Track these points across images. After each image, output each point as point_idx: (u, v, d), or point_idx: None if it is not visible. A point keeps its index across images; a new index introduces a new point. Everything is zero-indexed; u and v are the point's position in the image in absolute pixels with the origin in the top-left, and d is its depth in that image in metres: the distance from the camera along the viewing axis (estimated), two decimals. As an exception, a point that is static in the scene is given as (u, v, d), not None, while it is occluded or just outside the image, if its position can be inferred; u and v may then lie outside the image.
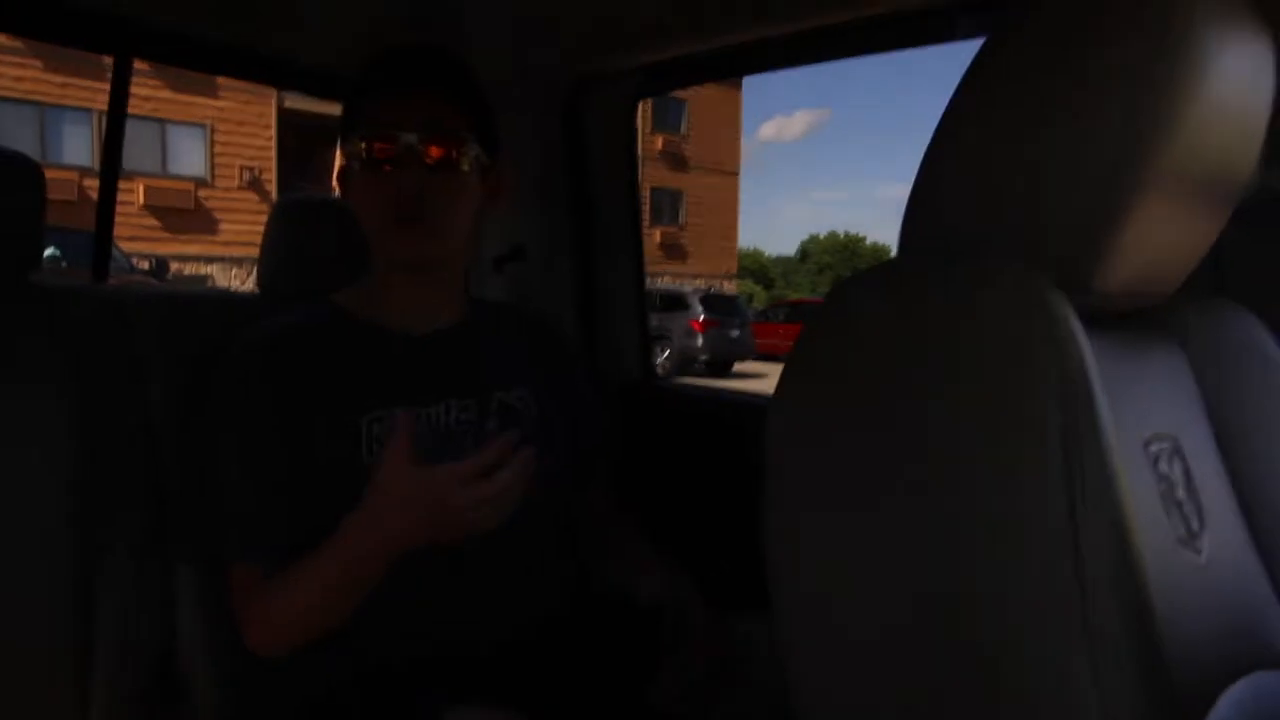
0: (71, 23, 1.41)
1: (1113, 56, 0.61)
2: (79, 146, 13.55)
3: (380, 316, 1.16)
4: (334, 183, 1.20)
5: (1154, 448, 0.74)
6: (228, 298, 1.52)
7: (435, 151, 1.08)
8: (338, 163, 1.16)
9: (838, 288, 0.68)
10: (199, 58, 1.64)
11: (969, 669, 0.57)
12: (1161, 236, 0.69)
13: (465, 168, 1.11)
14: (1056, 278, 0.59)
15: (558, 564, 1.22)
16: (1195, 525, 0.75)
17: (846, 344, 0.65)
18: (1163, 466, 0.74)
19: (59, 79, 13.51)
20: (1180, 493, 0.75)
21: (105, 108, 1.78)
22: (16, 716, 1.10)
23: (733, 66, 1.59)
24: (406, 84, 1.11)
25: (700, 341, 13.69)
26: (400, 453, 0.92)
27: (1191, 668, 0.65)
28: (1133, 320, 0.81)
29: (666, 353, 13.67)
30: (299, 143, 15.60)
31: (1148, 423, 0.75)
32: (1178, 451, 0.77)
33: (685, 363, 13.46)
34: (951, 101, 0.67)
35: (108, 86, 1.68)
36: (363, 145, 1.09)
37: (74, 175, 12.11)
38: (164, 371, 1.25)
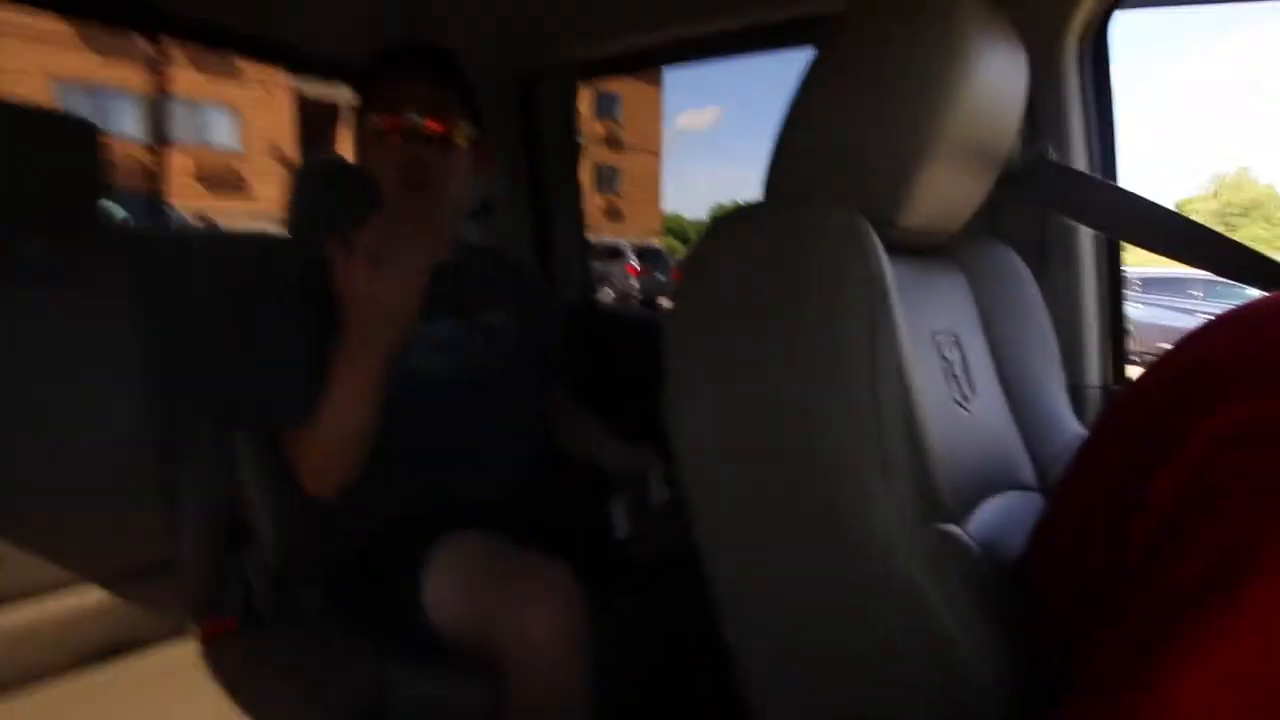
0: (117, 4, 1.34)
1: (904, 57, 0.62)
2: (129, 120, 12.75)
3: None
4: (350, 151, 1.17)
5: (939, 338, 0.78)
6: (267, 237, 1.47)
7: (434, 126, 1.06)
8: (357, 129, 1.12)
9: (715, 223, 0.68)
10: (223, 40, 1.55)
11: (808, 487, 0.60)
12: (944, 189, 0.71)
13: (459, 141, 1.09)
14: (868, 216, 0.61)
15: (534, 440, 1.22)
16: (967, 391, 0.79)
17: (720, 265, 0.66)
18: (945, 351, 0.78)
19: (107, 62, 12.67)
20: (957, 369, 0.79)
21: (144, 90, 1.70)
22: (125, 553, 1.09)
23: (647, 61, 1.56)
24: (409, 72, 1.08)
25: (634, 282, 13.61)
26: (346, 267, 0.92)
27: (960, 486, 0.69)
28: (929, 252, 0.83)
29: (609, 293, 13.56)
30: (313, 123, 14.84)
31: (935, 322, 0.78)
32: (957, 342, 0.81)
33: (623, 298, 13.38)
34: (795, 90, 0.68)
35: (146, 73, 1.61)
36: (375, 119, 1.06)
37: (128, 147, 11.48)
38: (216, 294, 1.22)
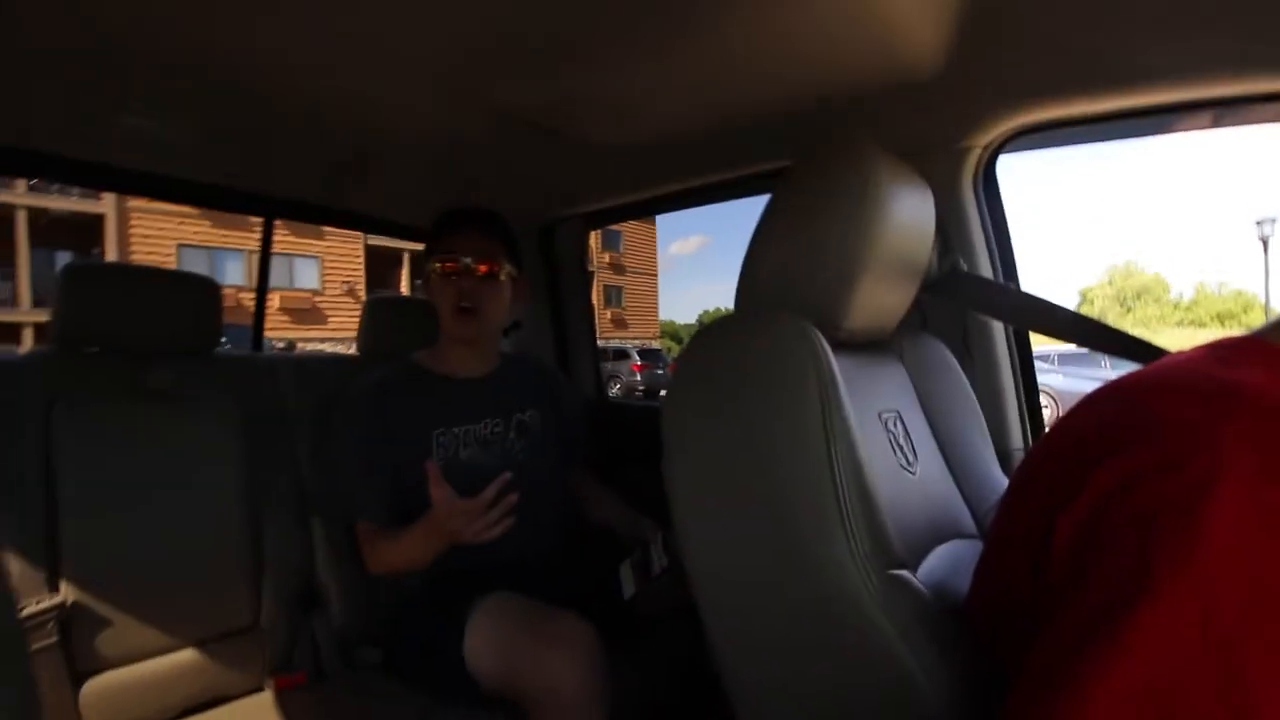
0: (228, 197, 1.40)
1: (835, 204, 0.66)
2: (237, 273, 13.22)
3: (444, 368, 1.18)
4: (407, 285, 1.22)
5: (884, 416, 0.78)
6: (341, 358, 1.50)
7: (482, 268, 1.12)
8: (425, 272, 1.18)
9: (699, 332, 0.69)
10: (318, 217, 1.63)
11: (782, 546, 0.59)
12: (878, 298, 0.73)
13: (501, 278, 1.15)
14: (818, 323, 0.63)
15: (559, 514, 1.21)
16: (911, 457, 0.78)
17: (701, 366, 0.67)
18: (890, 426, 0.78)
19: (221, 231, 13.22)
20: (901, 440, 0.78)
21: (251, 247, 1.75)
22: (217, 619, 1.08)
23: (643, 211, 1.63)
24: (464, 225, 1.15)
25: (638, 377, 13.65)
26: (442, 493, 0.94)
27: (911, 538, 0.68)
28: (872, 347, 0.84)
29: (617, 385, 13.58)
30: (378, 266, 15.33)
31: (880, 403, 0.79)
32: (899, 418, 0.81)
33: (628, 391, 13.37)
34: (758, 225, 0.71)
35: (252, 234, 1.66)
36: (438, 264, 1.13)
37: (234, 290, 11.86)
38: (299, 406, 1.24)
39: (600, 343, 1.94)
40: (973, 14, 0.81)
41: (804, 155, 0.72)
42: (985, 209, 1.08)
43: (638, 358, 14.16)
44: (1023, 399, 1.09)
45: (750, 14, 0.75)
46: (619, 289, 23.11)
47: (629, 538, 1.16)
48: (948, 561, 0.71)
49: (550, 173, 1.40)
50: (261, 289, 1.78)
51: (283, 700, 1.04)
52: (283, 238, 13.56)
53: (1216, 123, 0.94)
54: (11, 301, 11.73)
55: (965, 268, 0.94)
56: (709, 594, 0.66)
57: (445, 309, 1.13)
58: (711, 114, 1.07)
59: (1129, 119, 0.95)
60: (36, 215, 12.00)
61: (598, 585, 1.12)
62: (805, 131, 1.06)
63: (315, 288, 15.03)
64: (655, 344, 19.11)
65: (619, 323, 22.47)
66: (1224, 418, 0.37)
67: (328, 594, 1.18)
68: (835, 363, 0.60)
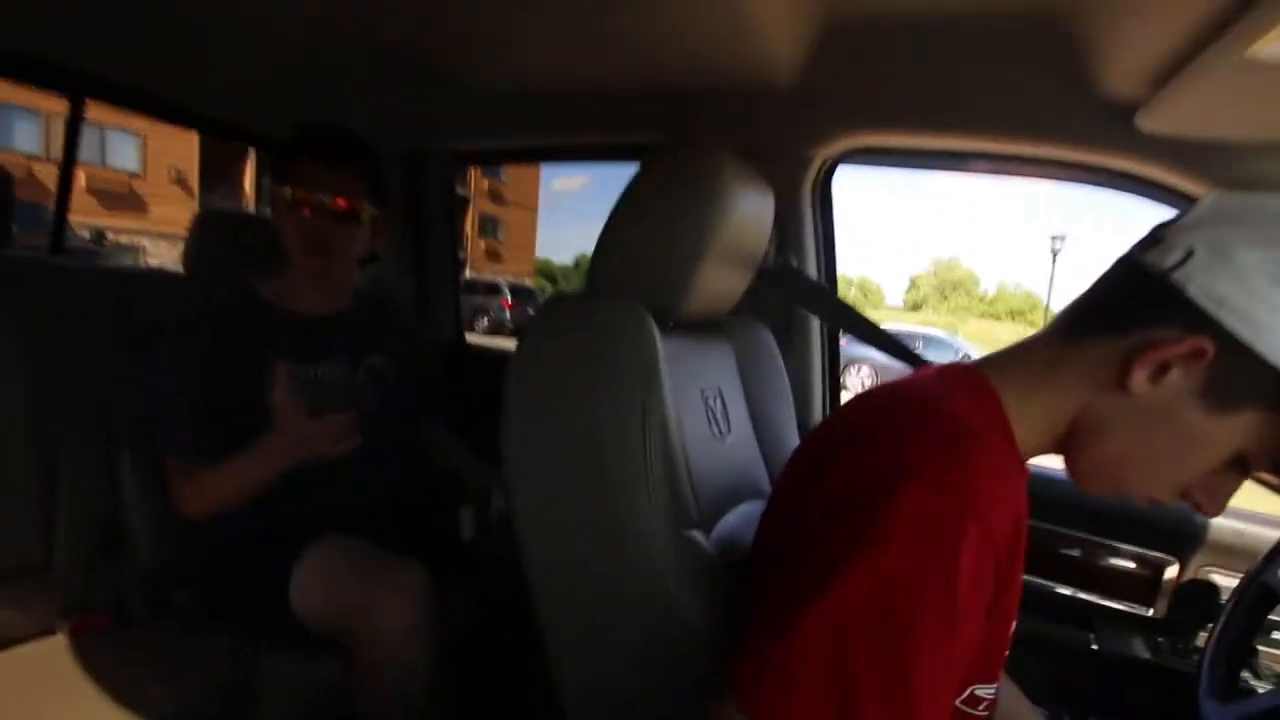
0: (36, 69, 1.20)
1: (686, 200, 0.71)
2: (30, 137, 10.93)
3: (289, 303, 1.10)
4: (251, 185, 1.11)
5: (705, 391, 0.86)
6: (165, 277, 1.35)
7: (341, 204, 1.04)
8: (273, 194, 1.07)
9: (545, 306, 0.74)
10: (138, 105, 1.42)
11: (595, 501, 0.65)
12: (715, 286, 0.79)
13: (362, 218, 1.07)
14: (656, 305, 0.68)
15: (401, 461, 1.20)
16: (724, 428, 0.87)
17: (545, 335, 0.71)
18: (710, 402, 0.86)
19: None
20: (717, 413, 0.87)
21: (52, 110, 1.48)
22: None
23: (519, 158, 1.61)
24: (324, 155, 1.04)
25: (508, 315, 13.34)
26: (290, 404, 0.92)
27: (714, 497, 0.77)
28: (704, 326, 0.91)
29: (485, 319, 13.21)
30: (216, 156, 13.33)
31: (704, 379, 0.87)
32: (720, 394, 0.89)
33: (497, 326, 13.06)
34: (614, 207, 0.74)
35: (53, 95, 1.41)
36: (290, 193, 1.02)
37: (24, 160, 9.76)
38: (111, 330, 1.12)
39: (471, 274, 1.88)
40: (829, 37, 0.91)
41: (667, 139, 0.77)
42: (819, 214, 1.21)
43: (509, 294, 13.80)
44: (827, 381, 1.26)
45: None
46: (496, 220, 22.15)
47: (472, 483, 1.19)
48: (745, 518, 0.81)
49: (419, 101, 1.34)
50: (66, 170, 1.53)
51: (80, 645, 0.98)
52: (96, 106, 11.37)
53: (1016, 171, 1.12)
54: None
55: (795, 264, 1.06)
56: (530, 542, 0.71)
57: (295, 244, 1.04)
58: (583, 75, 1.09)
59: (948, 158, 1.12)
60: None
61: (437, 528, 1.14)
62: (671, 113, 1.12)
63: (134, 170, 12.84)
64: (529, 282, 18.67)
65: (493, 255, 21.62)
66: (922, 430, 0.49)
67: (135, 532, 1.09)
68: (662, 345, 0.67)
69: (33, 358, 1.02)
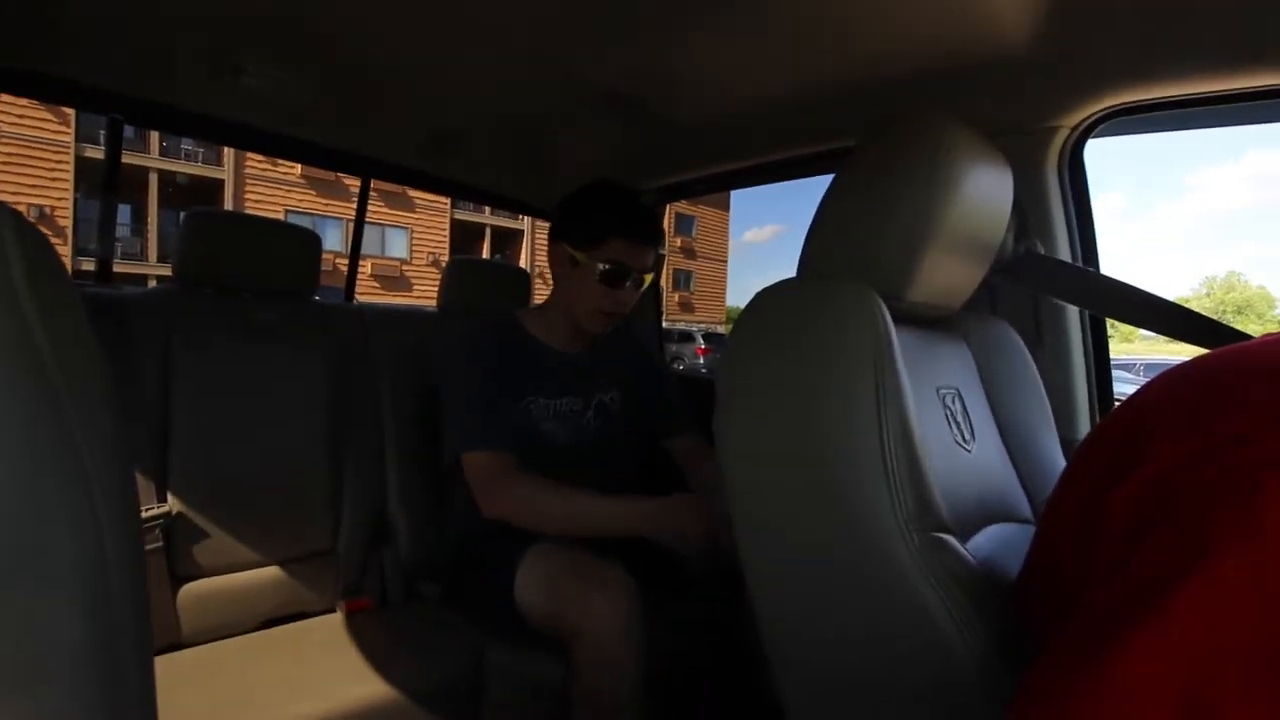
0: (329, 156, 1.46)
1: (907, 170, 0.63)
2: (336, 239, 13.92)
3: (547, 337, 1.16)
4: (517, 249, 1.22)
5: (943, 392, 0.75)
6: (423, 311, 1.57)
7: (648, 278, 1.10)
8: (571, 256, 1.08)
9: (759, 294, 0.67)
10: (410, 181, 1.66)
11: (828, 505, 0.58)
12: (942, 273, 0.70)
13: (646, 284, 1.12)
14: (880, 291, 0.61)
15: (628, 486, 1.17)
16: (968, 435, 0.76)
17: (759, 325, 0.66)
18: (948, 403, 0.75)
19: (324, 200, 13.95)
20: (958, 417, 0.75)
21: (350, 217, 1.80)
22: (299, 542, 1.17)
23: (715, 185, 1.62)
24: (640, 236, 1.06)
25: (701, 360, 13.56)
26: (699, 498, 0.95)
27: (960, 513, 0.65)
28: (936, 323, 0.82)
29: (680, 367, 13.56)
30: (462, 239, 15.75)
31: (939, 379, 0.76)
32: (959, 395, 0.78)
33: (691, 372, 13.35)
34: (824, 198, 0.69)
35: (351, 204, 1.73)
36: (604, 269, 1.05)
37: (331, 255, 12.52)
38: (382, 354, 1.31)
39: (665, 324, 1.91)
40: None
41: (877, 129, 0.70)
42: (1069, 193, 1.01)
43: (702, 341, 14.06)
44: (1094, 388, 1.03)
45: None
46: (688, 273, 22.97)
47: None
48: (997, 542, 0.68)
49: (632, 146, 1.39)
50: (355, 246, 1.85)
51: (351, 622, 1.12)
52: (376, 209, 14.29)
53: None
54: (140, 255, 12.84)
55: (1041, 250, 0.89)
56: (754, 556, 0.65)
57: (599, 308, 1.08)
58: (789, 87, 1.04)
59: (1233, 102, 0.87)
60: (165, 178, 13.02)
61: (655, 545, 1.13)
62: (883, 106, 1.03)
63: (404, 257, 15.69)
64: (720, 329, 18.90)
65: (685, 306, 22.37)
66: None
67: (397, 529, 1.25)
68: (894, 330, 0.59)
69: (330, 381, 1.22)
